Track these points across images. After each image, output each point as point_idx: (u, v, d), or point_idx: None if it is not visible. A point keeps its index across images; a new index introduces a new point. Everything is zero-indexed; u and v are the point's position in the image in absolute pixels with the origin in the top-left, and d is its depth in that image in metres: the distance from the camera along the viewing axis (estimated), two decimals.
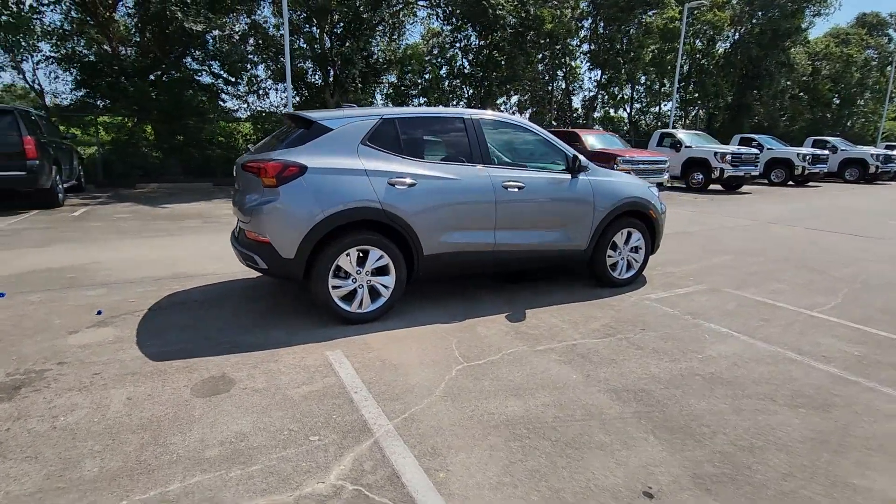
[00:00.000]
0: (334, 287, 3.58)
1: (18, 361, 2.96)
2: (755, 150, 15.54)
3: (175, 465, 2.06)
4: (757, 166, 15.42)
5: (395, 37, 16.93)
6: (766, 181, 18.23)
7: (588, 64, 21.02)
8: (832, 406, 2.68)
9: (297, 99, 16.54)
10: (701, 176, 15.18)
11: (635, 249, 4.87)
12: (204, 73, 15.44)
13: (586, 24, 20.17)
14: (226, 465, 2.07)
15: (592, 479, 2.06)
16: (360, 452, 2.18)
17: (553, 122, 20.73)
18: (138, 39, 14.17)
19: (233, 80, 15.71)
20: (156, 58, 14.06)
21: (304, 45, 15.70)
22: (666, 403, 2.67)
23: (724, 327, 3.82)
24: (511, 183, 4.11)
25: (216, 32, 14.21)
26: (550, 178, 4.35)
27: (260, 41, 15.23)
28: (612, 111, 24.50)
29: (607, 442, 2.31)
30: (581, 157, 4.54)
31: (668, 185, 14.11)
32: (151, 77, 14.23)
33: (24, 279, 4.71)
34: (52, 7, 12.74)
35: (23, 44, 12.05)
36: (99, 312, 3.82)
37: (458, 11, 16.03)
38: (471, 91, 19.05)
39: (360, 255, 3.63)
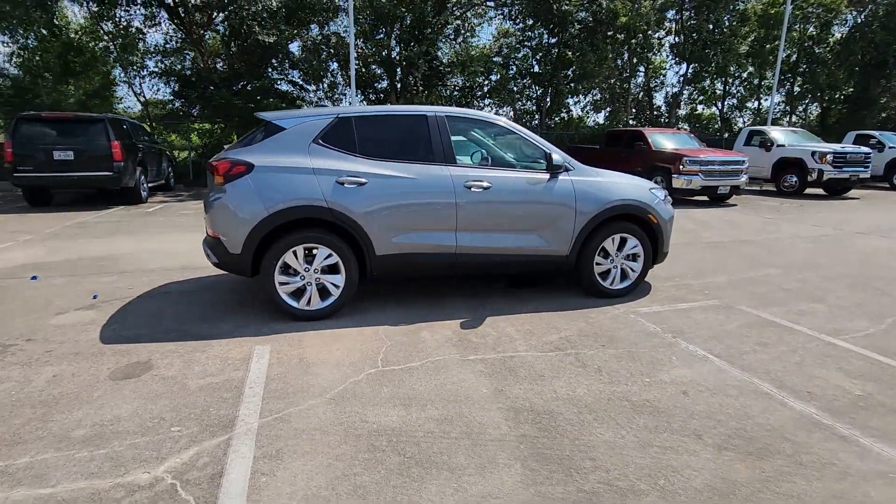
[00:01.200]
0: (281, 283, 3.65)
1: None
2: (865, 150, 13.39)
3: (39, 441, 2.22)
4: (867, 168, 13.27)
5: (460, 39, 16.98)
6: (887, 185, 15.67)
7: (673, 58, 19.42)
8: (772, 454, 2.21)
9: (365, 103, 17.21)
10: (795, 178, 13.40)
11: (632, 258, 4.41)
12: (282, 81, 16.62)
13: (670, 14, 18.67)
14: (80, 446, 2.19)
15: (415, 503, 1.88)
16: (205, 448, 2.19)
17: (629, 121, 19.46)
18: (226, 53, 15.61)
19: (309, 87, 16.74)
20: (240, 69, 15.39)
21: (372, 51, 16.29)
22: (564, 430, 2.37)
23: (704, 350, 3.32)
24: (475, 183, 3.91)
25: (296, 42, 15.27)
26: (524, 178, 4.08)
27: (331, 49, 16.04)
28: (700, 108, 22.43)
29: (464, 465, 2.11)
30: (563, 156, 4.21)
31: (746, 187, 12.69)
32: (237, 86, 15.63)
33: (69, 264, 5.38)
34: (154, 28, 14.50)
35: (132, 59, 13.80)
36: (94, 297, 4.25)
37: (524, 10, 15.66)
38: (539, 91, 18.53)
39: (308, 253, 3.67)
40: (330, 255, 3.69)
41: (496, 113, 19.46)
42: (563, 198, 4.11)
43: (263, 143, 3.66)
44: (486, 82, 17.77)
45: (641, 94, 20.87)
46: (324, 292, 3.76)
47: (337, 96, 17.63)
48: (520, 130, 4.22)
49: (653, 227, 4.39)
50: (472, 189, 3.90)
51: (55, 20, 14.43)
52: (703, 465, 2.13)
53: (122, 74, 15.00)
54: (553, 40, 18.03)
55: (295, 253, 3.62)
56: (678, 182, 11.45)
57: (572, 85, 18.55)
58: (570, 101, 19.12)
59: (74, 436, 2.26)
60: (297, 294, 3.71)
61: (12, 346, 3.21)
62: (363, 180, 3.70)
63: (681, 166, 11.43)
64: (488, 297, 4.38)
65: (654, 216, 4.35)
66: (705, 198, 12.22)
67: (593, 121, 20.60)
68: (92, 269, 5.24)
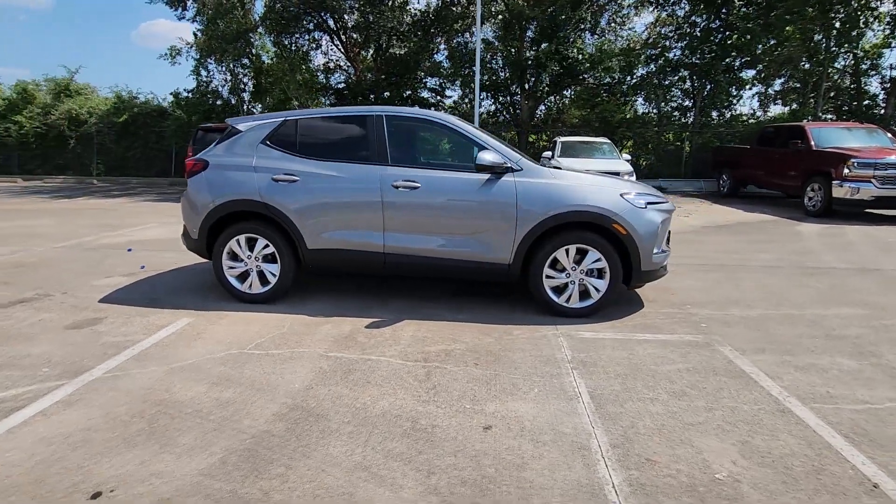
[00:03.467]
0: (229, 267, 4.15)
1: (45, 288, 4.56)
2: None
3: None
4: None
5: (598, 34, 15.83)
6: None
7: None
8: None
9: (494, 107, 17.37)
10: None
11: (597, 273, 3.81)
12: (422, 88, 17.83)
13: None
14: None
15: (113, 462, 2.09)
16: (42, 387, 2.72)
17: (823, 115, 15.62)
18: (375, 66, 17.41)
19: (446, 93, 17.66)
20: (381, 80, 17.02)
21: (500, 54, 16.34)
22: (303, 434, 2.30)
23: (588, 388, 2.77)
24: (403, 183, 3.85)
25: (435, 51, 16.29)
26: (458, 179, 3.85)
27: (463, 55, 16.58)
28: None
29: (184, 443, 2.23)
30: (509, 155, 3.85)
31: None
32: (384, 96, 17.31)
33: (173, 241, 6.74)
34: (318, 51, 17.03)
35: (298, 78, 16.45)
36: (142, 267, 5.37)
37: None
38: (695, 84, 16.15)
39: (251, 242, 4.09)
40: (267, 246, 4.06)
41: (646, 112, 17.70)
42: (502, 201, 3.77)
43: (223, 143, 4.20)
44: (627, 78, 16.25)
45: (846, 80, 16.59)
46: (264, 279, 4.14)
47: (468, 102, 18.15)
48: (463, 129, 4.00)
49: (621, 240, 3.72)
50: (400, 189, 3.85)
51: (253, 50, 17.94)
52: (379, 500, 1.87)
53: (293, 90, 17.85)
54: (715, 24, 15.63)
55: (238, 241, 4.08)
56: (839, 191, 9.07)
57: (737, 74, 15.77)
58: (745, 93, 16.21)
59: None
60: (242, 278, 4.17)
61: (46, 296, 4.33)
62: (296, 178, 3.97)
63: (845, 170, 8.99)
64: (430, 300, 4.25)
65: (621, 226, 3.68)
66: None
67: (769, 115, 17.11)
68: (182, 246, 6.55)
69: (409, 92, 17.90)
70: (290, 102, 17.96)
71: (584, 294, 3.86)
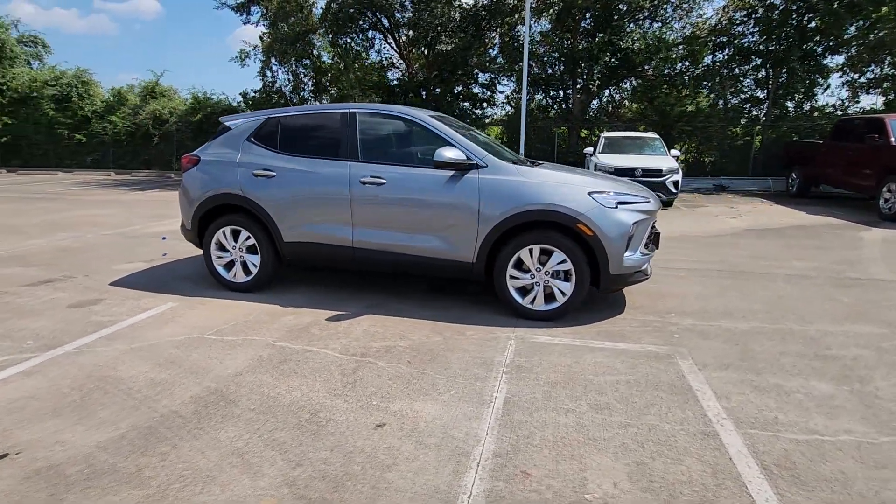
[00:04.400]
0: (217, 257, 4.41)
1: (73, 270, 5.09)
2: None
3: None
4: None
5: (659, 21, 14.81)
6: None
7: None
8: None
9: (545, 102, 16.87)
10: None
11: (563, 276, 3.64)
12: (474, 84, 17.74)
13: None
14: None
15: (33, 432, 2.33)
16: (10, 359, 3.07)
17: None
18: (426, 63, 17.56)
19: (497, 89, 17.46)
20: (430, 77, 17.13)
21: (552, 47, 15.82)
22: (202, 417, 2.41)
23: (506, 394, 2.67)
24: (370, 179, 3.89)
25: (485, 45, 16.17)
26: (423, 175, 3.83)
27: (511, 48, 16.24)
28: None
29: (103, 417, 2.43)
30: (477, 153, 3.77)
31: None
32: (436, 92, 17.44)
33: None
34: (372, 50, 17.48)
35: (351, 77, 17.01)
36: (164, 255, 5.84)
37: None
38: (769, 72, 14.70)
39: (236, 234, 4.32)
40: (249, 238, 4.27)
41: (712, 104, 16.42)
42: (465, 198, 3.71)
43: (216, 140, 4.46)
44: (691, 68, 15.13)
45: None
46: (247, 269, 4.36)
47: (516, 96, 17.80)
48: (431, 125, 3.95)
49: (587, 241, 3.52)
50: (367, 185, 3.90)
51: (314, 51, 18.76)
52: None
53: (349, 89, 18.46)
54: (794, 7, 14.15)
55: (224, 232, 4.33)
56: None
57: (819, 61, 14.18)
58: (829, 81, 14.52)
59: None
60: (229, 267, 4.41)
61: (69, 278, 4.84)
62: (273, 173, 4.14)
63: None
64: (403, 296, 4.26)
65: (587, 227, 3.49)
66: None
67: (858, 107, 15.18)
68: None
69: (461, 88, 17.90)
70: (347, 101, 18.60)
71: (550, 296, 3.70)
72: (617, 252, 3.53)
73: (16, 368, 2.93)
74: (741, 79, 15.58)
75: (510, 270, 3.71)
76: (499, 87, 18.15)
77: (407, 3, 16.18)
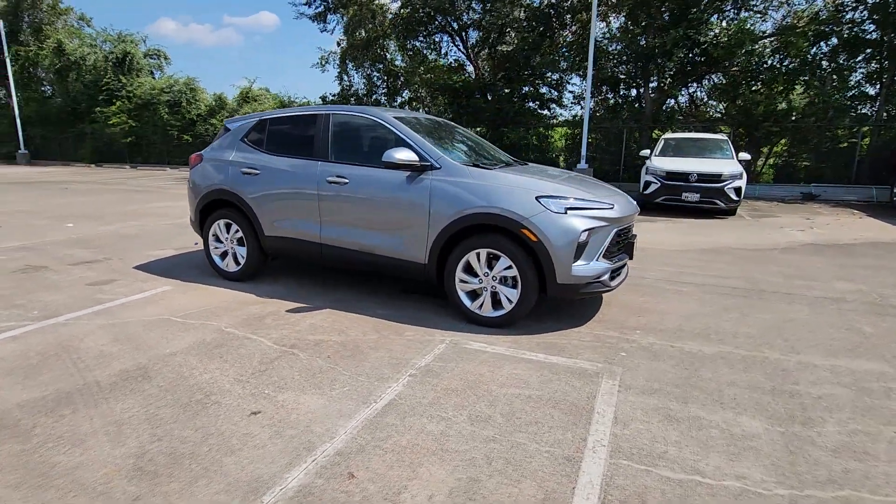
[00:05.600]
0: (214, 247, 4.80)
1: (113, 254, 5.79)
2: None
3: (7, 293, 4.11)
4: None
5: (748, 9, 13.31)
6: None
7: None
8: None
9: (613, 101, 16.01)
10: None
11: (510, 282, 3.52)
12: (541, 83, 17.37)
13: None
14: (3, 301, 3.96)
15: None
16: (8, 324, 3.60)
17: None
18: (491, 64, 17.50)
19: (563, 87, 16.96)
20: (492, 79, 17.03)
21: (622, 44, 14.95)
22: (62, 362, 2.68)
23: (396, 396, 2.65)
24: (335, 178, 4.03)
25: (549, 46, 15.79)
26: (381, 176, 3.87)
27: (578, 46, 15.61)
28: None
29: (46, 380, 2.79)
30: (432, 154, 3.75)
31: None
32: (502, 93, 17.34)
33: None
34: (440, 52, 17.74)
35: (416, 79, 17.43)
36: (196, 244, 6.44)
37: None
38: (882, 66, 12.67)
39: (227, 226, 4.68)
40: (237, 231, 4.61)
41: (809, 102, 14.59)
42: (417, 199, 3.71)
43: (218, 140, 4.85)
44: (785, 62, 13.47)
45: None
46: (237, 260, 4.71)
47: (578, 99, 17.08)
48: (392, 125, 3.98)
49: (532, 247, 3.37)
50: (332, 183, 4.04)
51: (388, 55, 19.51)
52: None
53: (416, 91, 18.93)
54: None
55: (219, 225, 4.71)
56: None
57: None
58: None
59: (9, 295, 4.08)
60: (224, 257, 4.79)
61: (106, 260, 5.53)
62: (257, 171, 4.42)
63: None
64: (371, 295, 4.35)
65: (531, 232, 3.34)
66: None
67: None
68: None
69: (528, 88, 17.61)
70: (415, 103, 19.09)
71: (499, 303, 3.59)
72: (564, 260, 3.33)
73: (9, 333, 3.44)
74: (848, 73, 13.70)
75: (459, 274, 3.65)
76: (569, 87, 17.61)
77: (475, 4, 16.26)
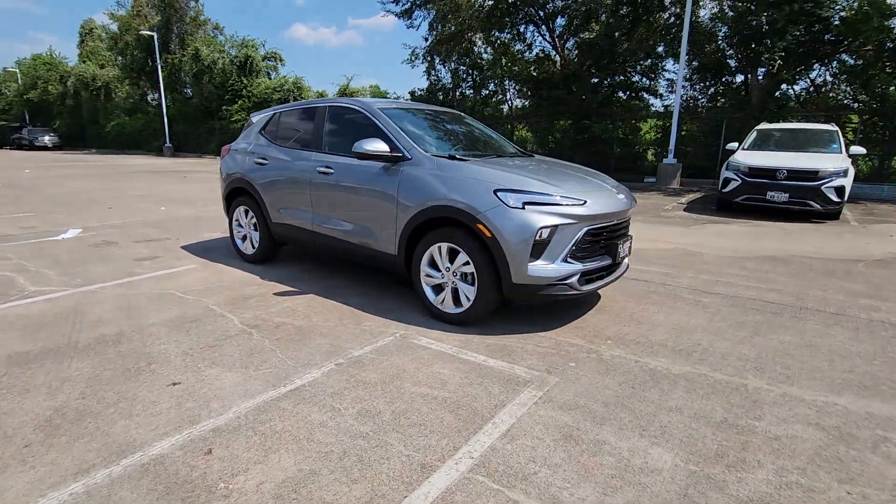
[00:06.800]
0: (236, 231, 5.21)
1: (174, 234, 6.53)
2: None
3: (29, 280, 4.85)
4: None
5: None
6: None
7: None
8: None
9: (712, 90, 14.30)
10: None
11: (470, 279, 3.37)
12: (634, 71, 16.19)
13: None
14: (57, 266, 4.68)
15: None
16: (23, 286, 4.23)
17: None
18: (578, 52, 16.63)
19: (657, 74, 15.65)
20: (589, 64, 16.16)
21: (725, 26, 13.27)
22: (59, 324, 3.04)
23: (305, 383, 2.69)
24: (323, 169, 4.15)
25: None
26: (361, 167, 3.91)
27: (675, 30, 14.17)
28: None
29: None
30: (404, 145, 3.70)
31: None
32: (594, 80, 16.47)
33: None
34: (525, 43, 17.28)
35: (499, 71, 17.16)
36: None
37: None
38: None
39: (246, 212, 5.05)
40: (252, 217, 4.95)
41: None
42: (388, 191, 3.70)
43: (244, 132, 5.23)
44: None
45: None
46: (253, 244, 5.06)
47: (693, 82, 15.47)
48: (374, 115, 3.97)
49: (487, 243, 3.20)
50: (321, 174, 4.17)
51: (475, 48, 19.46)
52: None
53: (501, 84, 18.64)
54: None
55: (240, 211, 5.10)
56: None
57: None
58: None
59: (71, 264, 4.79)
60: (244, 240, 5.18)
61: (165, 240, 6.25)
62: (266, 161, 4.71)
63: None
64: (360, 285, 4.42)
65: (486, 227, 3.17)
66: None
67: None
68: None
69: (620, 77, 16.50)
70: (499, 95, 18.84)
71: (458, 300, 3.45)
72: (519, 258, 3.11)
73: (49, 295, 4.06)
74: None
75: (424, 268, 3.57)
76: (666, 75, 16.21)
77: None
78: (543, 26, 16.94)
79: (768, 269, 5.09)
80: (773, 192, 7.99)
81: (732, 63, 14.31)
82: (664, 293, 4.26)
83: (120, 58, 33.20)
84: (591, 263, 3.32)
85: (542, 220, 3.10)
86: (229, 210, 5.26)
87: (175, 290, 4.25)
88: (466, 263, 3.33)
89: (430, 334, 3.34)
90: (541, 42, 17.67)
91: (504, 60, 17.30)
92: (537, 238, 3.08)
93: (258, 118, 5.13)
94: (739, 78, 14.35)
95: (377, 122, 3.96)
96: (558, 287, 3.21)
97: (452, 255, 3.42)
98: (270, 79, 28.34)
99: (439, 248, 3.46)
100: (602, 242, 3.40)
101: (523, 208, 3.13)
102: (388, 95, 24.38)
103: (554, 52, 17.36)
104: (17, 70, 46.19)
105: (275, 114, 4.95)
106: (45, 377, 2.73)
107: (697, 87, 15.92)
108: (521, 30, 17.16)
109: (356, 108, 4.21)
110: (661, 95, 16.07)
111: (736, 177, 8.41)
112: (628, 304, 3.97)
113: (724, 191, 8.64)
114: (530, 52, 17.85)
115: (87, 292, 4.17)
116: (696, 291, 4.31)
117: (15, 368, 2.82)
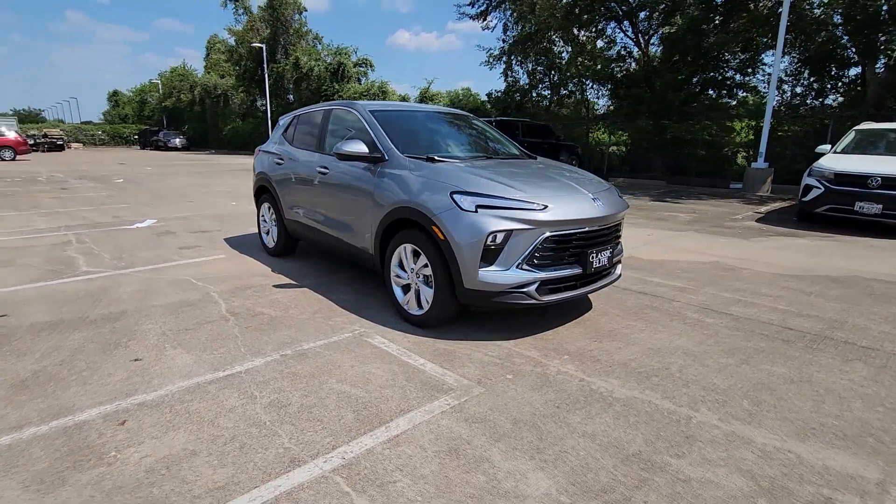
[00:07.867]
0: (262, 225, 5.60)
1: (224, 227, 7.15)
2: None
3: (74, 269, 5.54)
4: None
5: None
6: None
7: None
8: None
9: (817, 86, 12.50)
10: None
11: (430, 282, 3.35)
12: (727, 67, 14.79)
13: None
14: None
15: None
16: (42, 268, 4.85)
17: None
18: (662, 48, 15.50)
19: (753, 69, 14.16)
20: (676, 60, 15.05)
21: (837, 11, 11.54)
22: (81, 301, 3.46)
23: (250, 367, 2.85)
24: (321, 169, 4.33)
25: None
26: (347, 168, 4.02)
27: (771, 19, 12.59)
28: None
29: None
30: (382, 145, 3.76)
31: None
32: (680, 77, 15.32)
33: None
34: (606, 40, 16.46)
35: (579, 69, 16.52)
36: None
37: None
38: None
39: (269, 208, 5.41)
40: (273, 212, 5.30)
41: None
42: (367, 191, 3.79)
43: (273, 133, 5.60)
44: None
45: None
46: (274, 238, 5.41)
47: (793, 77, 13.72)
48: (366, 122, 4.04)
49: (441, 246, 3.15)
50: (320, 173, 4.35)
51: (554, 48, 18.96)
52: None
53: (578, 83, 17.90)
54: None
55: (265, 207, 5.48)
56: None
57: None
58: None
59: (123, 248, 5.46)
60: (268, 233, 5.55)
61: (216, 231, 6.87)
62: (282, 161, 5.01)
63: None
64: (357, 282, 4.54)
65: (439, 230, 3.14)
66: None
67: None
68: None
69: (711, 74, 15.15)
70: (576, 94, 18.21)
71: (418, 302, 3.43)
72: (469, 263, 3.02)
73: (91, 276, 4.68)
74: None
75: (394, 268, 3.60)
76: (765, 69, 14.62)
77: None
78: (626, 21, 16.03)
79: (815, 291, 4.41)
80: (862, 203, 6.87)
81: (847, 54, 12.51)
82: (664, 310, 3.88)
83: (235, 68, 36.92)
84: (555, 272, 3.13)
85: (493, 224, 2.99)
86: (258, 206, 5.67)
87: (192, 276, 4.68)
88: (426, 266, 3.30)
89: (388, 334, 3.36)
90: (622, 39, 16.78)
91: (581, 59, 16.64)
92: (489, 242, 2.98)
93: (283, 121, 5.48)
94: (853, 72, 12.50)
95: (365, 123, 4.05)
96: (514, 295, 3.06)
97: (416, 257, 3.41)
98: (360, 84, 29.85)
99: (405, 248, 3.46)
100: (570, 250, 3.19)
101: (476, 211, 3.03)
102: (478, 98, 24.40)
103: (636, 49, 16.38)
104: (159, 81, 53.25)
105: (294, 117, 5.25)
106: (45, 344, 3.16)
107: (804, 82, 14.14)
108: (602, 26, 16.39)
109: (350, 110, 4.34)
110: (760, 92, 14.46)
111: (819, 184, 7.36)
112: (615, 319, 3.67)
113: (804, 200, 7.60)
114: (610, 51, 16.99)
115: (122, 275, 4.73)
116: (703, 310, 3.87)
117: (28, 335, 3.30)
